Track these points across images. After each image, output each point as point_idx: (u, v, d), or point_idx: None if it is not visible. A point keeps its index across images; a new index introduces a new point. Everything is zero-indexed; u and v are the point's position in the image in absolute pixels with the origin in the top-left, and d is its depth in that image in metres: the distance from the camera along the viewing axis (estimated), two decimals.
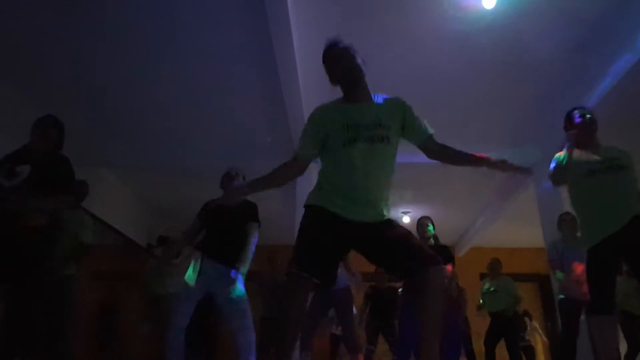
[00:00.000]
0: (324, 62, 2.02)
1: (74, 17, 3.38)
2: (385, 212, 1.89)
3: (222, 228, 3.23)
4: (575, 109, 2.83)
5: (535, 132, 4.79)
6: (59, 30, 3.50)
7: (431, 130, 2.00)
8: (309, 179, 5.98)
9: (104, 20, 3.43)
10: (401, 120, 1.95)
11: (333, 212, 1.84)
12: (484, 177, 6.01)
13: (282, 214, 6.27)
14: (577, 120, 2.74)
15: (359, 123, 1.87)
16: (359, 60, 1.96)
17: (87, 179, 3.74)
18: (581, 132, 2.70)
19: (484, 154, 1.96)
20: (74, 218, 3.54)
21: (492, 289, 5.37)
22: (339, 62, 1.95)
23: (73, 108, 4.48)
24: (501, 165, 1.91)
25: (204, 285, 3.14)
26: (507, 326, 5.15)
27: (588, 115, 2.74)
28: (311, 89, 4.13)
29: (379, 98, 2.00)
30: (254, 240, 3.20)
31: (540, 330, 7.07)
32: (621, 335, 5.00)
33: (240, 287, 3.11)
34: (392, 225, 1.88)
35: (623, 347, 5.02)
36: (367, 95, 1.99)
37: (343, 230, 1.83)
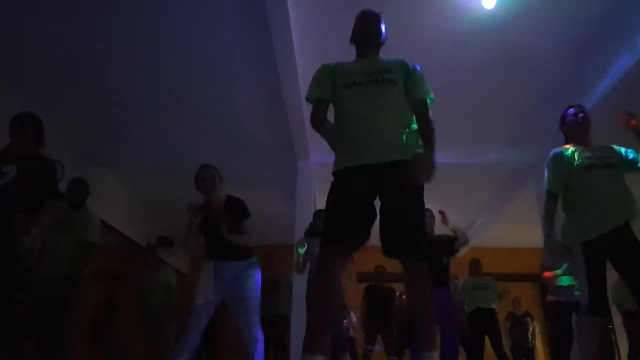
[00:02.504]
0: (355, 22, 2.18)
1: (74, 17, 3.39)
2: (405, 149, 1.88)
3: (219, 233, 3.04)
4: (570, 107, 2.86)
5: (535, 132, 4.78)
6: (59, 30, 3.50)
7: (424, 96, 2.02)
8: (309, 180, 5.96)
9: (104, 21, 3.44)
10: (404, 75, 2.01)
11: (351, 167, 1.86)
12: (484, 177, 6.02)
13: (282, 215, 6.27)
14: (568, 118, 2.80)
15: (363, 70, 1.99)
16: (383, 29, 2.15)
17: (87, 179, 3.73)
18: (572, 128, 2.76)
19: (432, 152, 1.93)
20: (77, 218, 3.53)
21: (478, 286, 5.32)
22: (362, 23, 2.15)
23: (73, 108, 4.49)
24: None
25: (223, 288, 3.10)
26: (490, 323, 5.10)
27: (580, 114, 2.77)
28: None
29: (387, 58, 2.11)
30: (250, 233, 3.13)
31: (538, 330, 7.03)
32: (623, 334, 5.00)
33: (257, 277, 3.16)
34: (408, 179, 1.84)
35: (625, 347, 5.03)
36: (376, 55, 2.14)
37: (366, 179, 1.83)
